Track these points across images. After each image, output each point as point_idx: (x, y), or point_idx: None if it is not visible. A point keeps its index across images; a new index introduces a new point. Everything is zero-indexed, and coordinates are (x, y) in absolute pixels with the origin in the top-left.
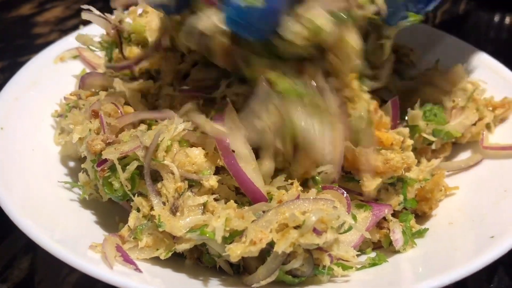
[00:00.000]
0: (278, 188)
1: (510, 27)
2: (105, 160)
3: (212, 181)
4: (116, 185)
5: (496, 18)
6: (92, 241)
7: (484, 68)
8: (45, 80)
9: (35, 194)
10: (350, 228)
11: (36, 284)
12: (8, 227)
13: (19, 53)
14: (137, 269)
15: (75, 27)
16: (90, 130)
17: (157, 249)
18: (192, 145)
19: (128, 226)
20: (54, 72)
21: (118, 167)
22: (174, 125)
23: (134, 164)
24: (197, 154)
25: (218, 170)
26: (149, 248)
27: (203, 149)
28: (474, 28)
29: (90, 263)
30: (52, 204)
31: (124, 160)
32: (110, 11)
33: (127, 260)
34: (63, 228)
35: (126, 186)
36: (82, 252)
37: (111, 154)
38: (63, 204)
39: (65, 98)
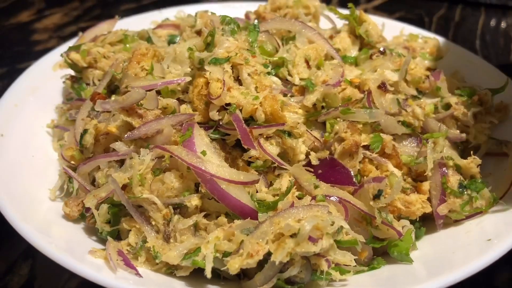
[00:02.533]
0: (274, 195)
1: (505, 32)
2: (89, 208)
3: (194, 200)
4: (100, 228)
5: (492, 23)
6: (92, 247)
7: (479, 73)
8: (44, 86)
9: (35, 200)
10: (355, 242)
11: None
12: (8, 233)
13: (18, 60)
14: (138, 274)
15: (73, 34)
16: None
17: (157, 264)
18: (164, 170)
19: (129, 242)
20: (53, 78)
21: (95, 212)
22: (139, 160)
23: (104, 207)
24: (172, 179)
25: (198, 186)
26: (149, 262)
27: (177, 170)
28: (470, 33)
29: (92, 269)
30: (52, 210)
31: (108, 200)
32: (108, 17)
33: (128, 264)
34: (63, 234)
35: (104, 229)
36: (82, 257)
37: (89, 202)
38: (60, 210)
39: (61, 108)
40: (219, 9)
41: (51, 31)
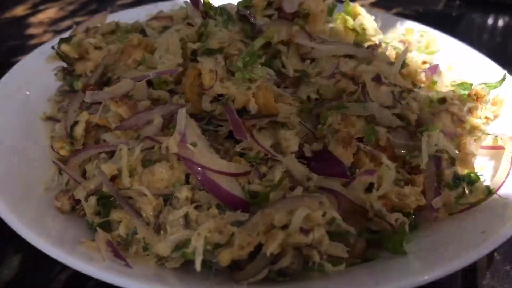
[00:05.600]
0: (266, 187)
1: (503, 29)
2: (80, 200)
3: (185, 191)
4: (90, 220)
5: (490, 20)
6: (82, 238)
7: (477, 67)
8: (37, 78)
9: (26, 191)
10: (347, 233)
11: (27, 283)
12: None
13: (13, 54)
14: (127, 264)
15: (68, 28)
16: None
17: (147, 255)
18: (154, 161)
19: (119, 233)
20: (45, 70)
21: (85, 205)
22: (128, 151)
23: (93, 199)
24: (162, 170)
25: (188, 177)
26: (139, 253)
27: (167, 161)
28: (468, 30)
29: (81, 260)
30: (43, 201)
31: (98, 191)
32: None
33: (118, 255)
34: (53, 225)
35: (94, 220)
36: (72, 248)
37: (79, 194)
38: (51, 201)
39: (54, 99)
40: (214, 2)
41: (46, 25)
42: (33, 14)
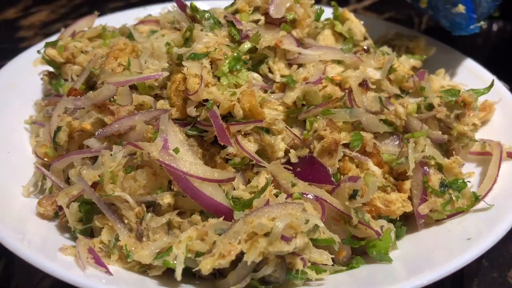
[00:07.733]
0: (251, 193)
1: (497, 35)
2: (62, 207)
3: (167, 198)
4: (72, 226)
5: (483, 25)
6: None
7: (466, 72)
8: (24, 82)
9: (8, 197)
10: (332, 240)
11: None
12: None
13: (3, 56)
14: (108, 272)
15: (59, 31)
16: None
17: (129, 262)
18: (137, 167)
19: (101, 239)
20: (32, 74)
21: (67, 211)
22: (110, 157)
23: (75, 205)
24: (144, 176)
25: (171, 183)
26: (121, 260)
27: (150, 167)
28: (462, 36)
29: (62, 267)
30: (25, 207)
31: (80, 197)
32: None
33: (99, 262)
34: (36, 231)
35: (76, 227)
36: (53, 255)
37: (61, 201)
38: (34, 207)
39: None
40: (202, 6)
41: (37, 28)
42: (24, 17)
